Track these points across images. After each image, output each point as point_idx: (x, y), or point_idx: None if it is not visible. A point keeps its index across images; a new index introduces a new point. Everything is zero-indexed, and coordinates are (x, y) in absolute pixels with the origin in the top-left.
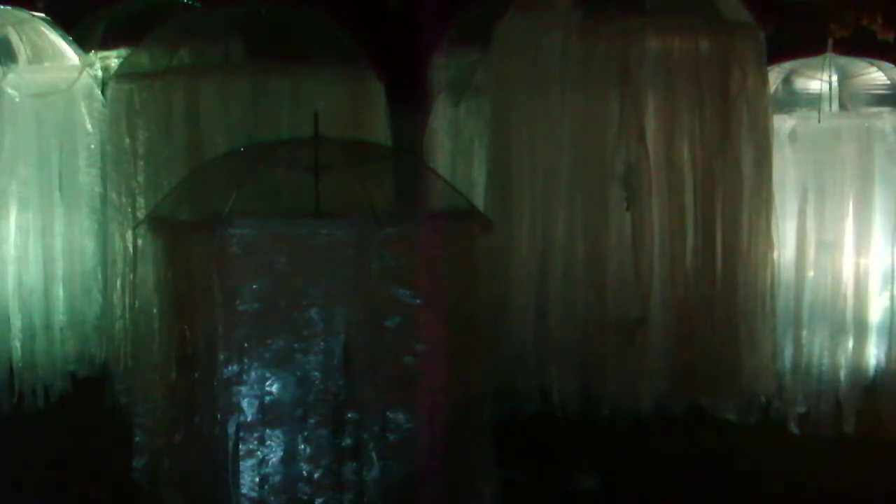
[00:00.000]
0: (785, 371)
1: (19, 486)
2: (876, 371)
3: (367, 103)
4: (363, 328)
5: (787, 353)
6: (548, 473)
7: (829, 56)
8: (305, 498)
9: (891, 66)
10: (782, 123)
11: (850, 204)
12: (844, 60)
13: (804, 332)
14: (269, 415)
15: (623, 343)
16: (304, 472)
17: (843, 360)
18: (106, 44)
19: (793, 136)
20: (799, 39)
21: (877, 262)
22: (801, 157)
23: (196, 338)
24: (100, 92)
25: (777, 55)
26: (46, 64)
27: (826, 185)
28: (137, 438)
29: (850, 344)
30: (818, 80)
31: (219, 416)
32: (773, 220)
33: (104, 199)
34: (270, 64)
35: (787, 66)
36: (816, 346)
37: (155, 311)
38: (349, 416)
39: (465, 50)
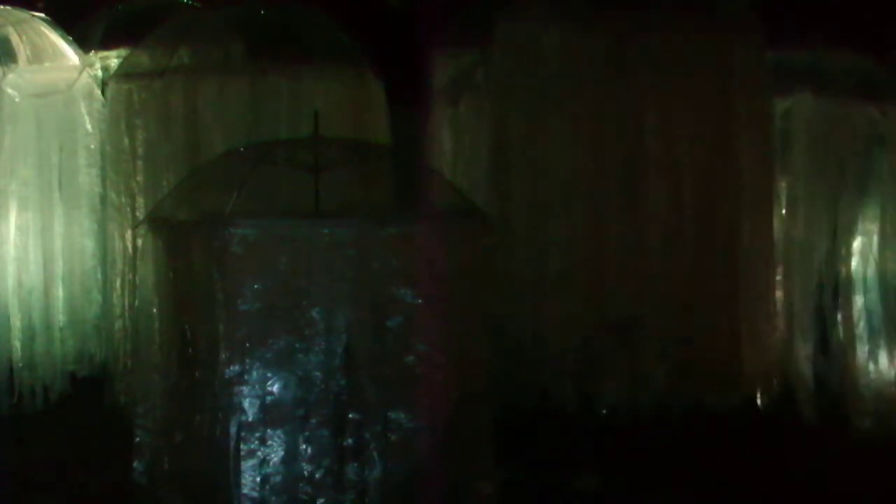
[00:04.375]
0: (787, 369)
1: (19, 485)
2: (881, 366)
3: (367, 103)
4: (364, 328)
5: (790, 351)
6: (547, 473)
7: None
8: (307, 498)
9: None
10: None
11: (843, 190)
12: (835, 55)
13: (809, 329)
14: (271, 415)
15: (622, 342)
16: (305, 472)
17: (849, 355)
18: (106, 44)
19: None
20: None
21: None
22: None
23: (197, 338)
24: (100, 92)
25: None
26: (46, 64)
27: (823, 172)
28: (137, 438)
29: (854, 340)
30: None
31: (220, 415)
32: (777, 216)
33: (104, 199)
34: (270, 64)
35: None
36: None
37: (155, 311)
38: (350, 416)
39: (465, 50)
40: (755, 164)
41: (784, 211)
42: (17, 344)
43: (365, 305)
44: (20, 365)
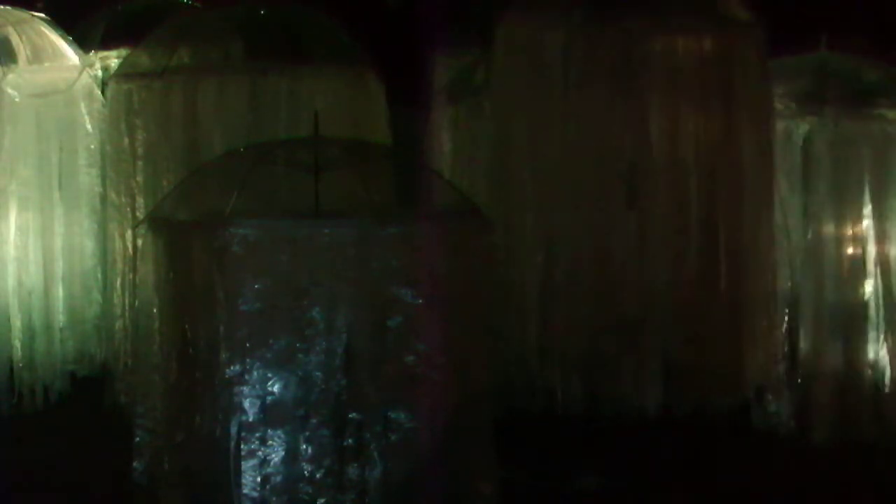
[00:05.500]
0: (794, 373)
1: (19, 485)
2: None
3: (367, 103)
4: (365, 328)
5: (799, 356)
6: (549, 473)
7: (823, 54)
8: (307, 498)
9: (881, 63)
10: (795, 128)
11: (867, 207)
12: (838, 58)
13: (818, 335)
14: (271, 415)
15: (626, 342)
16: (305, 473)
17: (856, 364)
18: (106, 44)
19: (808, 140)
20: (794, 36)
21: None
22: (816, 161)
23: (197, 337)
24: (100, 92)
25: (774, 53)
26: (46, 64)
27: (842, 188)
28: (137, 438)
29: (865, 348)
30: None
31: (220, 415)
32: (782, 219)
33: (104, 199)
34: (269, 64)
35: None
36: (829, 349)
37: (155, 311)
38: (351, 416)
39: (465, 50)
40: (756, 165)
41: (809, 227)
42: (17, 344)
43: (365, 305)
44: (20, 365)
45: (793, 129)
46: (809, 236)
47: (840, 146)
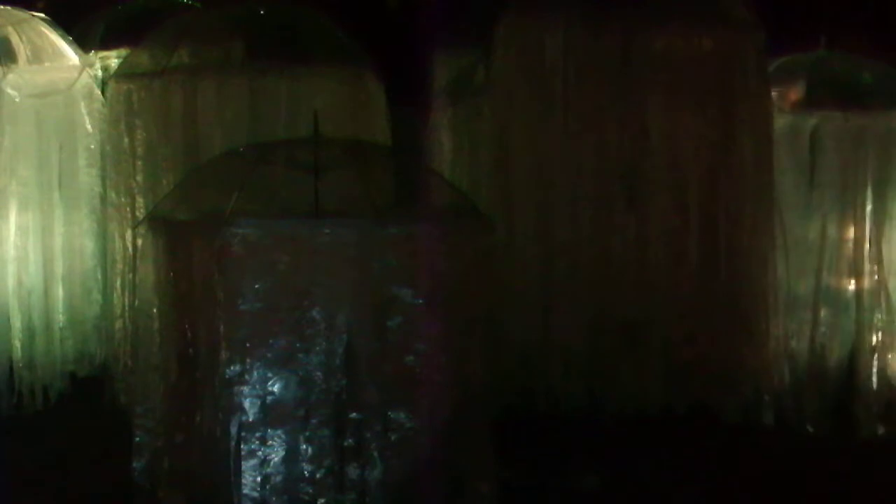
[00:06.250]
0: (797, 370)
1: (19, 485)
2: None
3: (367, 103)
4: (365, 328)
5: (802, 354)
6: (549, 473)
7: (822, 53)
8: (307, 498)
9: (879, 63)
10: (803, 122)
11: (869, 203)
12: (836, 58)
13: (820, 332)
14: (271, 415)
15: (627, 342)
16: (306, 473)
17: (859, 360)
18: (106, 44)
19: (815, 135)
20: (793, 36)
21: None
22: (822, 157)
23: (197, 337)
24: (100, 92)
25: (773, 52)
26: (46, 64)
27: (846, 184)
28: (137, 438)
29: (866, 345)
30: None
31: (220, 415)
32: (777, 217)
33: (104, 199)
34: (269, 64)
35: (779, 62)
36: (831, 345)
37: (155, 311)
38: (351, 416)
39: (465, 50)
40: (756, 165)
41: (812, 223)
42: (17, 344)
43: (365, 305)
44: (20, 365)
45: (800, 123)
46: (812, 233)
47: (847, 141)
